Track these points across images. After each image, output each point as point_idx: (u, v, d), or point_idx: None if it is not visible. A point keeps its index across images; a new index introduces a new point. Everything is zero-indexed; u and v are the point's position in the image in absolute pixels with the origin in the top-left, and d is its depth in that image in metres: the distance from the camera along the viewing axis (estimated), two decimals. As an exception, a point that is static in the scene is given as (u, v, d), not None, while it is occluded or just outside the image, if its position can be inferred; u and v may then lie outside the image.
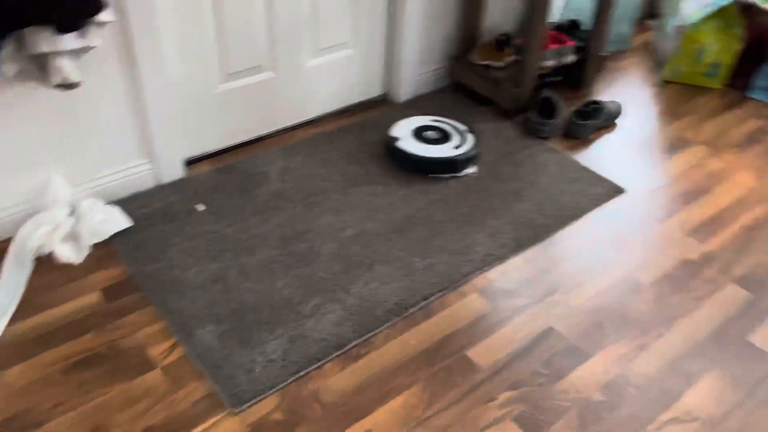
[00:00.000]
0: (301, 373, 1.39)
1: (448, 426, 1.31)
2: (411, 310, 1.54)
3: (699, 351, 1.49)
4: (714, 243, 1.80)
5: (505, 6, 2.45)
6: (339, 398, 1.35)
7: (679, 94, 2.50)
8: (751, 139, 2.25)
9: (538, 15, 2.08)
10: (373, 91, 2.34)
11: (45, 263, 1.61)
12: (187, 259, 1.64)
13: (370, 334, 1.48)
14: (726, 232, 1.84)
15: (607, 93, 2.47)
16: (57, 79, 1.42)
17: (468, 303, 1.58)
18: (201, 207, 1.80)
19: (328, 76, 2.17)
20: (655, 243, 1.79)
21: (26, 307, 1.50)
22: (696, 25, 2.43)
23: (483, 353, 1.46)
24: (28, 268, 1.58)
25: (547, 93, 2.25)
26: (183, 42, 1.78)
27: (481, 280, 1.64)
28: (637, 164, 2.10)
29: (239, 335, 1.45)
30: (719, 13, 2.40)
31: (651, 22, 2.93)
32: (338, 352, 1.43)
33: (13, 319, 1.47)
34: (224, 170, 1.96)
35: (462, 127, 2.08)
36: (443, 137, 2.04)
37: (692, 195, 1.97)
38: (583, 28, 2.46)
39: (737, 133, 2.28)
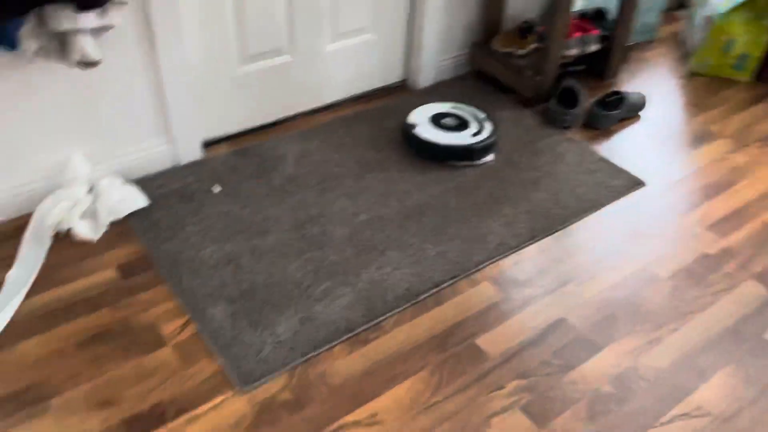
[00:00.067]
0: (310, 355, 1.39)
1: (455, 413, 1.31)
2: (422, 297, 1.54)
3: (713, 347, 1.47)
4: (734, 238, 1.76)
5: (529, -7, 2.41)
6: (346, 381, 1.35)
7: (706, 86, 2.45)
8: (779, 134, 2.20)
9: (562, 2, 2.04)
10: (393, 77, 2.33)
11: (63, 239, 1.64)
12: (201, 239, 1.65)
13: (379, 319, 1.48)
14: (747, 227, 1.80)
15: (631, 84, 2.42)
16: (77, 57, 1.44)
17: (479, 291, 1.57)
18: (217, 189, 1.81)
19: (348, 60, 2.16)
20: (673, 236, 1.76)
21: (43, 282, 1.53)
22: (725, 16, 2.37)
23: (493, 342, 1.45)
24: (46, 243, 1.61)
25: (569, 82, 2.22)
26: (202, 23, 1.79)
27: (493, 268, 1.63)
28: (659, 157, 2.06)
29: (250, 316, 1.47)
30: (749, 4, 2.34)
31: (679, 13, 2.86)
32: (347, 336, 1.44)
33: (30, 293, 1.50)
34: (241, 153, 1.97)
35: (481, 114, 2.06)
36: (461, 124, 2.02)
37: (714, 189, 1.93)
38: (609, 17, 2.41)
39: (764, 128, 2.22)
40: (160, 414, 1.27)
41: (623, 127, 2.20)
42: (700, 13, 2.52)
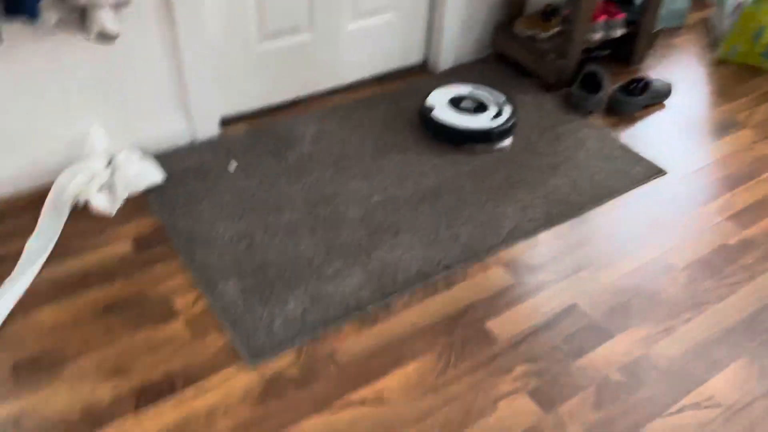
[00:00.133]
0: (319, 333, 1.40)
1: (461, 394, 1.31)
2: (433, 279, 1.53)
3: (728, 338, 1.44)
4: (754, 230, 1.72)
5: (555, -25, 2.37)
6: (354, 359, 1.36)
7: (734, 74, 2.39)
8: (808, 125, 2.14)
9: (586, -15, 2.00)
10: (413, 58, 2.31)
11: (80, 211, 1.66)
12: (216, 215, 1.67)
13: (389, 299, 1.48)
14: (769, 219, 1.76)
15: (657, 70, 2.37)
16: (96, 30, 1.45)
17: (491, 275, 1.56)
18: (233, 166, 1.82)
19: (367, 40, 2.14)
20: (692, 226, 1.73)
21: (61, 252, 1.55)
22: (756, 3, 2.30)
23: (503, 326, 1.45)
24: (64, 214, 1.63)
25: (592, 67, 2.18)
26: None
27: (506, 253, 1.62)
28: (682, 145, 2.02)
29: (261, 292, 1.48)
30: (783, -10, 2.27)
31: (710, -1, 2.79)
32: (356, 315, 1.44)
33: (48, 263, 1.52)
34: (258, 131, 1.97)
35: (500, 97, 2.03)
36: (480, 107, 2.00)
37: (737, 179, 1.89)
38: (636, 1, 2.36)
39: (793, 118, 2.16)
40: (170, 384, 1.29)
41: (647, 114, 2.16)
42: (731, 0, 2.45)
